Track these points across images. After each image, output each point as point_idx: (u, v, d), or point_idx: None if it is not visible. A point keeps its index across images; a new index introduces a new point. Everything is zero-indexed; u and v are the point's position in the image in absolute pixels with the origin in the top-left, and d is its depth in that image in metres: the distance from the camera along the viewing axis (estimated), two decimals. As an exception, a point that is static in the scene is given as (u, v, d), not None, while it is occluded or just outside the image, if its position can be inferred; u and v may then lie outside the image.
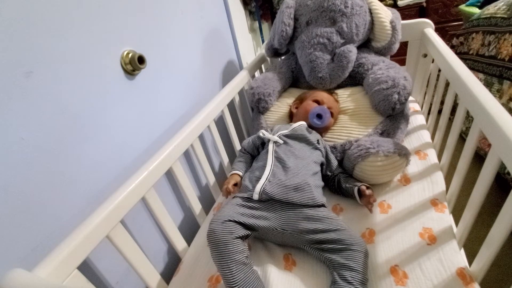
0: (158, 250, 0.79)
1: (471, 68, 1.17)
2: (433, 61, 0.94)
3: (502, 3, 1.09)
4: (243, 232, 0.59)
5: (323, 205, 0.66)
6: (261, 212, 0.64)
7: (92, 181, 0.61)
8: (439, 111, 0.87)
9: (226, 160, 0.97)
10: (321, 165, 0.78)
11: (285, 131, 0.81)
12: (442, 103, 0.85)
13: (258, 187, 0.66)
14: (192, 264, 0.69)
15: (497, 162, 0.47)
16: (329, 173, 0.80)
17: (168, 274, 0.73)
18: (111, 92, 0.66)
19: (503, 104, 0.71)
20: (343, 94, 0.97)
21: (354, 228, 0.64)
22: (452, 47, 1.36)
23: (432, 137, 0.91)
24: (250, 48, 1.55)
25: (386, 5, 1.05)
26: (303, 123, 0.84)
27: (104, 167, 0.64)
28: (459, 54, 1.31)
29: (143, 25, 0.76)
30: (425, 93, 1.08)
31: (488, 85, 1.06)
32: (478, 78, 0.81)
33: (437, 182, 0.72)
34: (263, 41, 1.66)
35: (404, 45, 1.08)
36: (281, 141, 0.77)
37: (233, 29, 1.29)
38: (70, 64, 0.56)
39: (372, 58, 0.96)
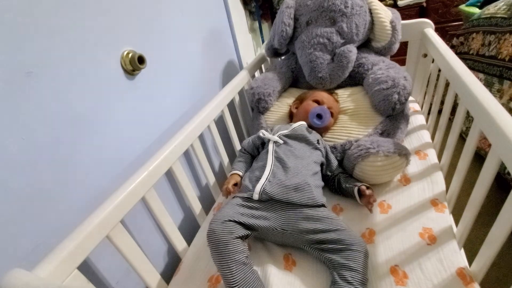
0: (158, 250, 0.79)
1: (471, 68, 1.17)
2: (433, 61, 0.94)
3: (502, 3, 1.09)
4: (243, 232, 0.59)
5: (323, 205, 0.66)
6: (261, 212, 0.64)
7: (92, 181, 0.61)
8: (439, 111, 0.87)
9: (226, 160, 0.97)
10: (321, 165, 0.78)
11: (285, 131, 0.81)
12: (442, 103, 0.85)
13: (258, 187, 0.66)
14: (192, 264, 0.69)
15: (497, 162, 0.47)
16: (329, 173, 0.80)
17: (168, 274, 0.73)
18: (111, 92, 0.66)
19: (503, 104, 0.71)
20: (343, 94, 0.97)
21: (354, 228, 0.64)
22: (452, 47, 1.36)
23: (432, 137, 0.91)
24: (250, 48, 1.55)
25: (386, 5, 1.05)
26: (303, 123, 0.84)
27: (104, 167, 0.64)
28: (459, 54, 1.31)
29: (143, 25, 0.76)
30: (425, 93, 1.08)
31: (488, 85, 1.06)
32: (478, 78, 0.81)
33: (437, 182, 0.72)
34: (263, 41, 1.66)
35: (404, 45, 1.08)
36: (281, 141, 0.77)
37: (233, 29, 1.29)
38: (70, 64, 0.56)
39: (372, 58, 0.96)
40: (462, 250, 0.58)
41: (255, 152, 0.87)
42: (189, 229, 0.86)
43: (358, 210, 0.72)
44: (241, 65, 1.37)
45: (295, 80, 1.13)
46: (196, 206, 0.81)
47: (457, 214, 0.63)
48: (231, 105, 1.04)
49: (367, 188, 0.69)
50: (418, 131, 0.94)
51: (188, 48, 0.97)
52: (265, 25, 1.72)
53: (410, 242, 0.59)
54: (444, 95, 0.81)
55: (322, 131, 0.86)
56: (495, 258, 0.46)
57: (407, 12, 1.94)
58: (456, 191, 0.65)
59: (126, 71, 0.69)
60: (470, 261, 0.53)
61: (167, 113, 0.86)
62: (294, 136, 0.79)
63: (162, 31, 0.84)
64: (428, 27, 1.02)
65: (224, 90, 0.98)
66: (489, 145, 0.48)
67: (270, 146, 0.77)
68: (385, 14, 0.94)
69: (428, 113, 1.01)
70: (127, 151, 0.70)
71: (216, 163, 1.11)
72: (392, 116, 0.85)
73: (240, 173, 0.81)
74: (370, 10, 0.95)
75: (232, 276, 0.52)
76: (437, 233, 0.59)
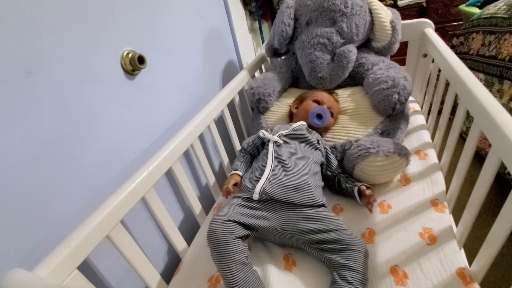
0: (158, 250, 0.79)
1: (471, 68, 1.17)
2: (433, 61, 0.94)
3: (502, 3, 1.09)
4: (243, 232, 0.59)
5: (323, 205, 0.66)
6: (261, 212, 0.64)
7: (92, 181, 0.61)
8: (439, 111, 0.87)
9: (226, 160, 0.97)
10: (321, 165, 0.78)
11: (285, 131, 0.81)
12: (442, 103, 0.85)
13: (258, 187, 0.66)
14: (192, 264, 0.69)
15: (497, 162, 0.47)
16: (329, 173, 0.80)
17: (168, 274, 0.73)
18: (111, 92, 0.66)
19: (503, 104, 0.71)
20: (343, 94, 0.97)
21: (354, 228, 0.64)
22: (452, 47, 1.36)
23: (432, 137, 0.91)
24: (250, 48, 1.55)
25: (386, 5, 1.05)
26: (303, 123, 0.84)
27: (104, 167, 0.64)
28: (459, 54, 1.31)
29: (143, 25, 0.76)
30: (425, 93, 1.08)
31: (488, 85, 1.06)
32: (478, 78, 0.81)
33: (437, 182, 0.72)
34: (263, 41, 1.66)
35: (404, 45, 1.08)
36: (281, 141, 0.77)
37: (233, 29, 1.29)
38: (70, 64, 0.56)
39: (372, 58, 0.96)
40: (462, 250, 0.58)
41: (255, 152, 0.87)
42: (189, 229, 0.86)
43: (358, 210, 0.72)
44: (241, 65, 1.37)
45: (295, 80, 1.13)
46: (196, 206, 0.81)
47: (457, 214, 0.63)
48: (231, 105, 1.04)
49: (367, 188, 0.69)
50: (418, 131, 0.94)
51: (188, 48, 0.97)
52: (265, 25, 1.72)
53: (410, 242, 0.59)
54: (444, 95, 0.81)
55: (322, 131, 0.86)
56: (495, 258, 0.46)
57: (407, 12, 1.94)
58: (456, 191, 0.65)
59: (126, 71, 0.69)
60: (470, 261, 0.53)
61: (167, 113, 0.86)
62: (294, 136, 0.79)
63: (162, 31, 0.84)
64: (428, 27, 1.02)
65: (224, 90, 0.98)
66: (489, 145, 0.48)
67: (270, 146, 0.77)
68: (385, 14, 0.94)
69: (428, 113, 1.01)
70: (127, 151, 0.70)
71: (216, 163, 1.11)
72: (392, 116, 0.85)
73: (240, 173, 0.81)
74: (370, 10, 0.95)
75: (232, 276, 0.52)
76: (437, 233, 0.59)
